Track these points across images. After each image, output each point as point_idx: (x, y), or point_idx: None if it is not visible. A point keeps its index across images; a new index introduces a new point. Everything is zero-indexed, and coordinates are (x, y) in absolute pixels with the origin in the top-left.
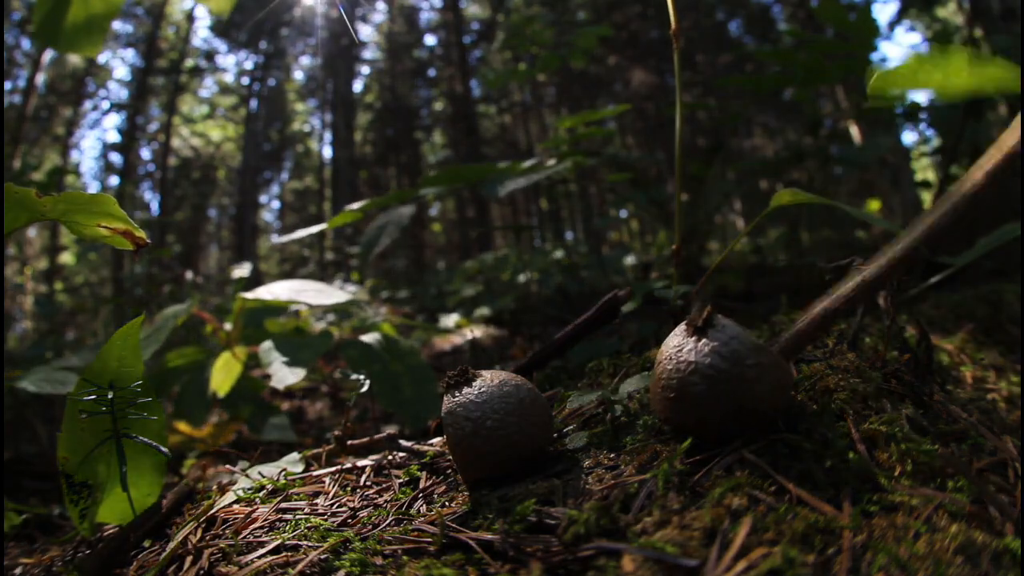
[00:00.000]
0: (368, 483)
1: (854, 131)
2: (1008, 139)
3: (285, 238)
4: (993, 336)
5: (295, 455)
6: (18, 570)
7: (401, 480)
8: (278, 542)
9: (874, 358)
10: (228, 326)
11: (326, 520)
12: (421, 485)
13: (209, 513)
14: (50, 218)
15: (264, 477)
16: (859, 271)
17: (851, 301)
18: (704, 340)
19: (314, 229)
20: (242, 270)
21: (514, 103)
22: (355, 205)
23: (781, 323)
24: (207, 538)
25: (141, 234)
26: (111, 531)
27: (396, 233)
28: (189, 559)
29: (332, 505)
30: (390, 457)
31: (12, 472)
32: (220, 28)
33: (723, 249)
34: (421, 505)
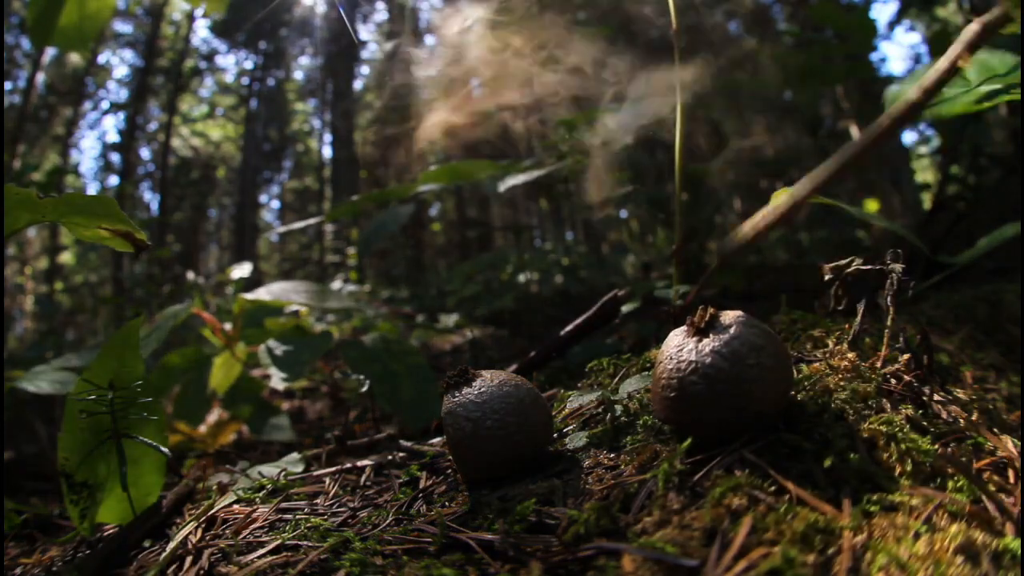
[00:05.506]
0: (368, 483)
1: (854, 131)
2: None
3: (283, 228)
4: (993, 336)
5: (295, 455)
6: (18, 570)
7: (401, 480)
8: (278, 542)
9: (874, 358)
10: (228, 326)
11: (326, 520)
12: (421, 485)
13: (209, 513)
14: (50, 220)
15: (264, 477)
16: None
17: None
18: (705, 340)
19: (313, 221)
20: (241, 270)
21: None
22: (354, 198)
23: (781, 323)
24: (207, 538)
25: (141, 236)
26: (111, 531)
27: (395, 228)
28: (189, 559)
29: (332, 505)
30: (390, 457)
31: (12, 472)
32: (220, 28)
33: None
34: (421, 505)
